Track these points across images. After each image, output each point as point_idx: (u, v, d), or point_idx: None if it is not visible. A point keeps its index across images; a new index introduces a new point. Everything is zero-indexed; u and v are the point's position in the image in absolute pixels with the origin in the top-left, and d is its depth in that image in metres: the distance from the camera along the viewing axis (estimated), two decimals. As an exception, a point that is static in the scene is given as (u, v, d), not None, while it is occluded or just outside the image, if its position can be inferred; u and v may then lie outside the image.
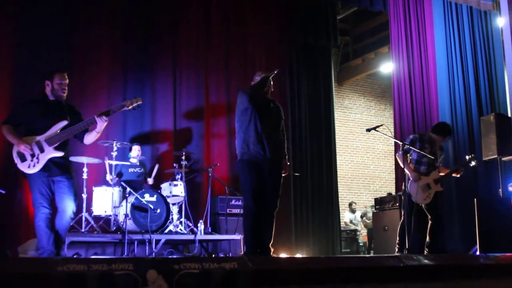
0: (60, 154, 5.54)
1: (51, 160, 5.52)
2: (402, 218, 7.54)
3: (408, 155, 7.56)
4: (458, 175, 7.87)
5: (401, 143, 7.42)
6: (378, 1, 11.58)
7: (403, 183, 7.59)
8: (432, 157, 7.53)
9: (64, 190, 5.56)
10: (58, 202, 5.56)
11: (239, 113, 5.85)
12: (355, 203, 15.17)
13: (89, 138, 5.83)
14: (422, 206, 7.47)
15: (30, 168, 5.49)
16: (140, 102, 5.88)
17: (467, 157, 7.93)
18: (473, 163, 7.86)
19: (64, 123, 5.59)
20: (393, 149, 12.53)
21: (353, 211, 14.89)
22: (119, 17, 9.95)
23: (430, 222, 7.50)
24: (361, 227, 14.78)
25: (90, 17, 9.66)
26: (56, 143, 5.53)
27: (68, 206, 5.55)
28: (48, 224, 5.47)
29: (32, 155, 5.47)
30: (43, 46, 9.07)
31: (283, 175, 5.96)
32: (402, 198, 7.70)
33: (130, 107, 5.79)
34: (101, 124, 5.64)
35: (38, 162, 5.47)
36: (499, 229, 6.98)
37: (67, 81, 5.74)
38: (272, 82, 5.99)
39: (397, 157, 7.76)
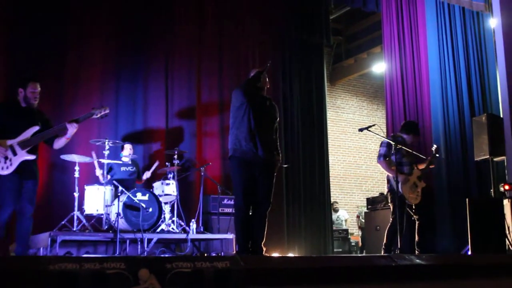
0: (32, 157, 5.85)
1: (23, 163, 5.78)
2: (392, 220, 7.52)
3: (387, 158, 7.54)
4: (433, 166, 7.95)
5: (393, 144, 7.40)
6: (371, 1, 11.60)
7: (390, 185, 7.58)
8: (425, 157, 7.57)
9: (29, 194, 5.88)
10: (20, 203, 5.84)
11: (233, 109, 5.82)
12: (337, 202, 15.10)
13: (59, 143, 6.13)
14: (409, 206, 7.49)
15: (3, 170, 5.73)
16: (108, 111, 6.29)
17: (432, 149, 7.99)
18: (438, 155, 7.96)
19: (36, 128, 5.90)
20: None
21: (335, 210, 14.83)
22: (112, 17, 9.91)
23: (417, 222, 7.53)
24: (346, 226, 14.76)
25: (83, 16, 9.62)
26: (29, 147, 5.82)
27: (27, 210, 5.86)
28: (7, 222, 5.80)
29: (6, 158, 5.73)
30: (36, 45, 9.05)
31: (283, 165, 5.99)
32: (389, 200, 7.65)
33: (98, 116, 6.19)
34: (72, 130, 5.95)
35: (11, 165, 5.74)
36: (490, 230, 7.00)
37: (39, 89, 6.06)
38: (267, 79, 5.99)
39: (378, 163, 7.70)
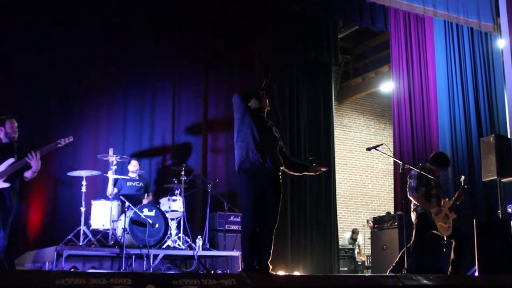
0: (7, 185, 6.40)
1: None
2: (413, 243, 7.28)
3: (419, 191, 7.32)
4: (463, 199, 7.72)
5: (401, 163, 7.35)
6: (379, 20, 11.62)
7: (417, 214, 7.36)
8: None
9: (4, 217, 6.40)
10: None
11: (236, 123, 5.80)
12: (356, 233, 14.90)
13: (27, 174, 6.60)
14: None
15: None
16: (72, 139, 6.89)
17: (461, 180, 7.78)
18: (466, 186, 7.78)
19: (12, 160, 6.48)
20: (392, 168, 12.53)
21: (354, 239, 14.58)
22: (119, 34, 9.99)
23: (454, 243, 7.31)
24: (358, 249, 14.64)
25: (91, 32, 9.67)
26: (4, 177, 6.40)
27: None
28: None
29: None
30: (42, 64, 9.15)
31: (323, 169, 6.24)
32: (417, 225, 7.41)
33: (63, 144, 6.78)
34: (35, 164, 6.47)
35: None
36: (498, 250, 6.97)
37: (16, 124, 6.66)
38: (267, 101, 5.95)
39: (410, 197, 7.32)
